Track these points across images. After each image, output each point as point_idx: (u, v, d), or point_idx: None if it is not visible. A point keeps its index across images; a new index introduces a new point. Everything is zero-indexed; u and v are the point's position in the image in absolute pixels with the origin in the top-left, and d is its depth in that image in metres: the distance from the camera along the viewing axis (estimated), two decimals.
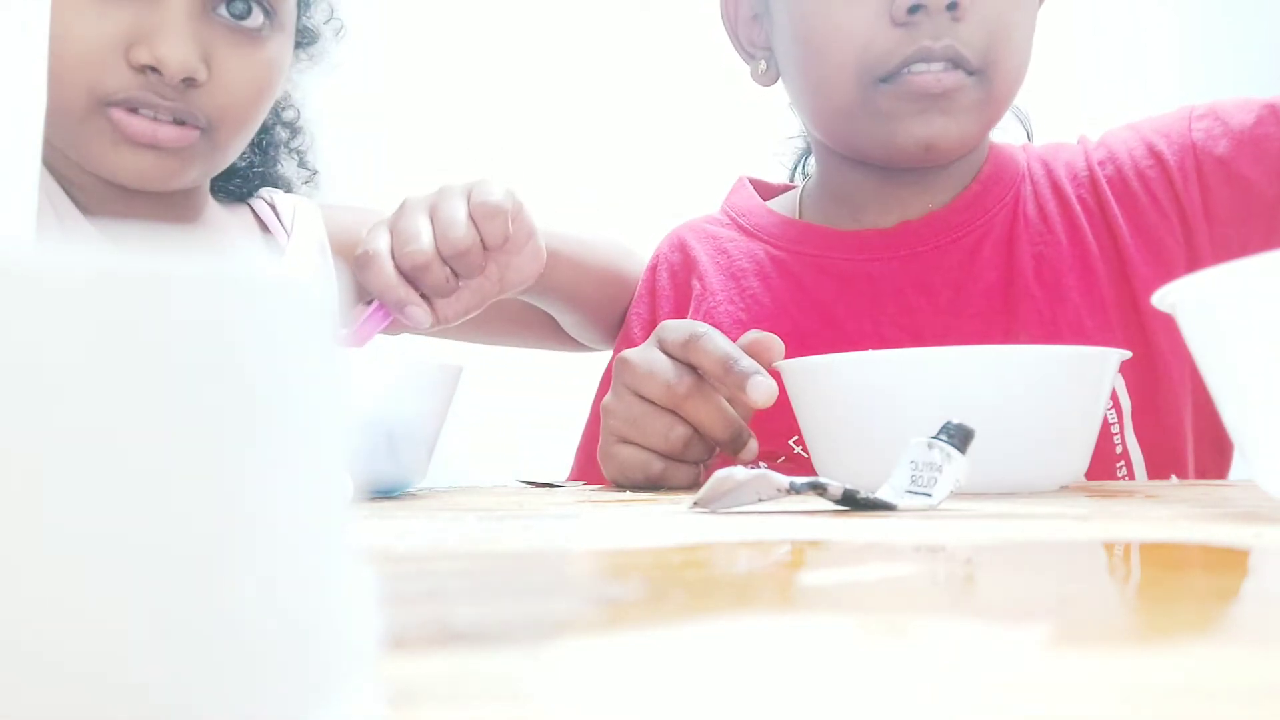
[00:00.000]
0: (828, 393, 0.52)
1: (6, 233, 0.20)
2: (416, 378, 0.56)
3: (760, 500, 0.37)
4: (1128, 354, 0.50)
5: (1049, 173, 0.75)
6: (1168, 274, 0.66)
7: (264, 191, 0.83)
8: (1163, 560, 0.24)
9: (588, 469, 0.81)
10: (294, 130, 0.87)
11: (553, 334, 0.89)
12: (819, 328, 0.74)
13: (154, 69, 0.62)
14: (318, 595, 0.10)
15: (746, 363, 0.54)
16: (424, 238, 0.59)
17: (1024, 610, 0.17)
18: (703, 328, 0.57)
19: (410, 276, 0.59)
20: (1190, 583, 0.21)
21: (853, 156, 0.75)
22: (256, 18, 0.67)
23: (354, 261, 0.60)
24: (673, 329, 0.58)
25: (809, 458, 0.69)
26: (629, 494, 0.55)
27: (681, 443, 0.58)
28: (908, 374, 0.48)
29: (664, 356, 0.58)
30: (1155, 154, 0.71)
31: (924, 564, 0.23)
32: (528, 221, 0.65)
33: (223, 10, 0.65)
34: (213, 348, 0.09)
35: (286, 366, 0.10)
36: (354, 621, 0.11)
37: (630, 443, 0.60)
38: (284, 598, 0.10)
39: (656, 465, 0.59)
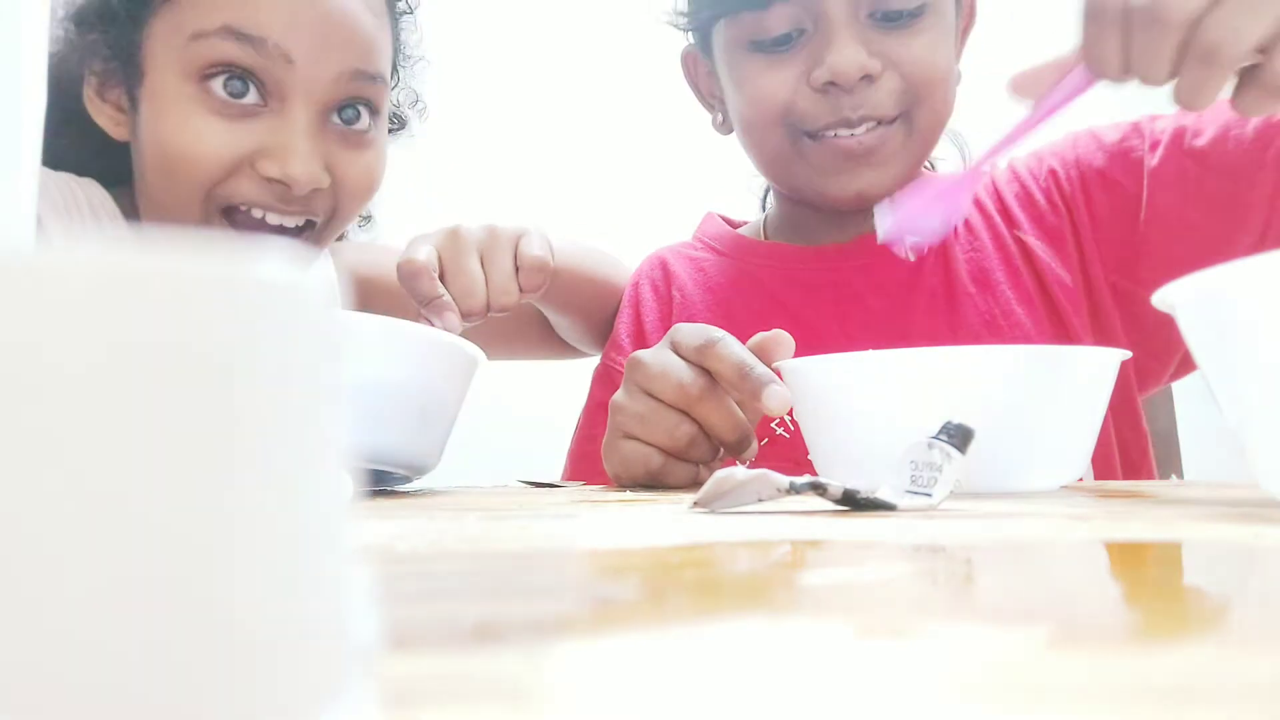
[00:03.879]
0: (828, 392, 0.52)
1: (6, 233, 0.20)
2: (448, 356, 0.57)
3: (760, 500, 0.37)
4: (1128, 354, 0.50)
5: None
6: (1065, 265, 0.81)
7: None
8: (1163, 560, 0.24)
9: (578, 471, 0.84)
10: None
11: (544, 341, 0.95)
12: (790, 331, 0.78)
13: (281, 182, 0.68)
14: (317, 595, 0.10)
15: (761, 370, 0.56)
16: (479, 293, 0.66)
17: (1024, 610, 0.17)
18: (718, 333, 0.58)
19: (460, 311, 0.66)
20: (1190, 583, 0.21)
21: (796, 199, 0.84)
22: (364, 120, 0.73)
23: (400, 269, 0.66)
24: (688, 333, 0.60)
25: (789, 437, 0.72)
26: (629, 494, 0.55)
27: (687, 440, 0.60)
28: (908, 374, 0.48)
29: (677, 358, 0.60)
30: (1049, 169, 0.84)
31: (924, 564, 0.23)
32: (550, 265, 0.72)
33: (335, 118, 0.71)
34: (212, 347, 0.09)
35: (286, 366, 0.10)
36: (354, 621, 0.11)
37: (635, 439, 0.61)
38: (283, 598, 0.10)
39: (657, 460, 0.60)
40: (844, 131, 0.75)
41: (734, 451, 0.60)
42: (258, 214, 0.70)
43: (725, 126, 0.86)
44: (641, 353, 0.62)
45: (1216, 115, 0.76)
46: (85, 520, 0.08)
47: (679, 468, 0.61)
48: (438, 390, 0.57)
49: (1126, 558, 0.25)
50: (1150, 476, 0.84)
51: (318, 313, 0.10)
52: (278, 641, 0.09)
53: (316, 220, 0.72)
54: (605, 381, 0.88)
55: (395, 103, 0.82)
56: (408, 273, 0.65)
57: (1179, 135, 0.77)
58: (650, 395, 0.60)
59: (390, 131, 0.81)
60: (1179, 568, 0.23)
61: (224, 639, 0.09)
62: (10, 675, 0.08)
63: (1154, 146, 0.79)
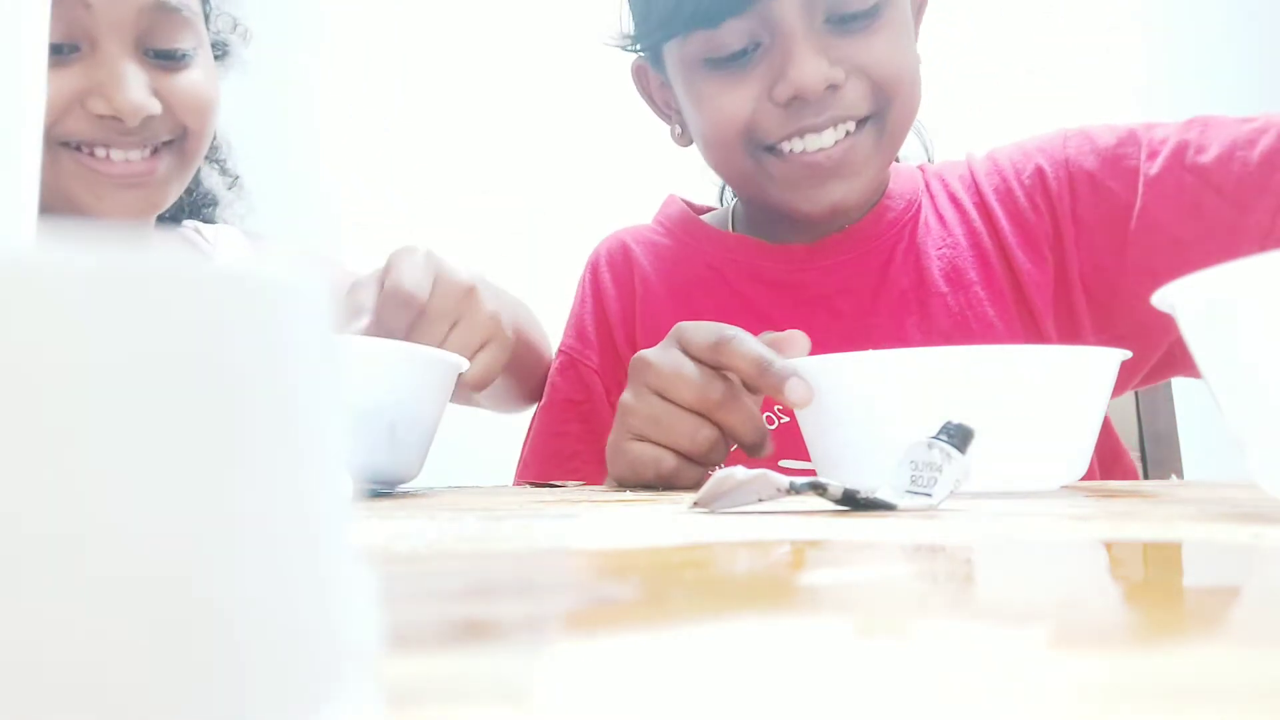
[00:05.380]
0: (827, 392, 0.52)
1: (6, 233, 0.20)
2: (419, 370, 0.56)
3: (760, 500, 0.37)
4: (1128, 354, 0.50)
5: (945, 186, 0.85)
6: (1040, 266, 0.79)
7: (188, 223, 0.94)
8: (1163, 560, 0.24)
9: (539, 467, 0.83)
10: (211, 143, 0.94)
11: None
12: (758, 331, 0.77)
13: (113, 117, 0.72)
14: (318, 595, 0.10)
15: (781, 364, 0.55)
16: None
17: (1024, 610, 0.17)
18: (731, 330, 0.58)
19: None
20: (1190, 583, 0.21)
21: (765, 208, 0.82)
22: (179, 49, 0.77)
23: (388, 282, 0.63)
24: (696, 331, 0.59)
25: (780, 423, 0.73)
26: (629, 494, 0.55)
27: (708, 445, 0.59)
28: (908, 374, 0.48)
29: (689, 360, 0.59)
30: (1036, 166, 0.81)
31: (924, 564, 0.23)
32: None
33: (151, 53, 0.75)
34: (211, 347, 0.09)
35: (285, 365, 0.10)
36: (354, 621, 0.11)
37: (646, 440, 0.60)
38: (284, 597, 0.10)
39: (669, 463, 0.59)
40: (812, 142, 0.73)
41: (753, 453, 0.60)
42: (101, 152, 0.74)
43: (684, 139, 0.84)
44: (648, 353, 0.61)
45: (1220, 135, 0.75)
46: (84, 519, 0.08)
47: (690, 469, 0.60)
48: (408, 405, 0.55)
49: (1126, 558, 0.25)
50: (1126, 475, 0.83)
51: (317, 312, 0.10)
52: (277, 641, 0.09)
53: (159, 144, 0.76)
54: (569, 374, 0.85)
55: (215, 30, 0.85)
56: (390, 292, 0.61)
57: (1181, 149, 0.75)
58: (663, 398, 0.59)
59: (216, 59, 0.84)
60: (1179, 568, 0.23)
61: (223, 639, 0.09)
62: (7, 675, 0.08)
63: (1152, 155, 0.77)
